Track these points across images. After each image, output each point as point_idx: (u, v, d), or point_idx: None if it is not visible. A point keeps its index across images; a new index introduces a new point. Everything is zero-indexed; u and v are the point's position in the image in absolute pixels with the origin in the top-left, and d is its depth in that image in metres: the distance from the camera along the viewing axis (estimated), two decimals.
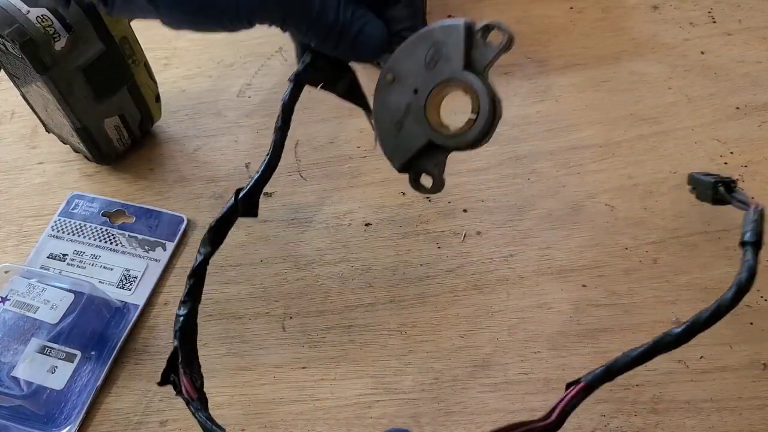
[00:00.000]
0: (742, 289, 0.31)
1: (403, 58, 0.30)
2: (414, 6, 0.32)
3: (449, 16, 0.57)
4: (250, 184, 0.32)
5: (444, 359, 0.39)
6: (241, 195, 0.32)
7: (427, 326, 0.41)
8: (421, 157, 0.31)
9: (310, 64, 0.33)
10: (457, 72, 0.29)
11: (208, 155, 0.50)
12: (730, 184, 0.41)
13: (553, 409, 0.28)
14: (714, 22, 0.55)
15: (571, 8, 0.57)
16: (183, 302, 0.33)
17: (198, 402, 0.31)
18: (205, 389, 0.39)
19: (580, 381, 0.28)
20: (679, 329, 0.29)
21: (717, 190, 0.41)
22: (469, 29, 0.29)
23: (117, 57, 0.45)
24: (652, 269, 0.42)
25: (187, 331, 0.32)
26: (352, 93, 0.35)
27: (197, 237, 0.46)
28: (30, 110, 0.49)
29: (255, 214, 0.33)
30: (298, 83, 0.33)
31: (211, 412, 0.38)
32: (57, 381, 0.39)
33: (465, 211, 0.45)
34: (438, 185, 0.31)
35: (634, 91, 0.51)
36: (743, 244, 0.33)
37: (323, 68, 0.33)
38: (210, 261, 0.33)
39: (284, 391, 0.39)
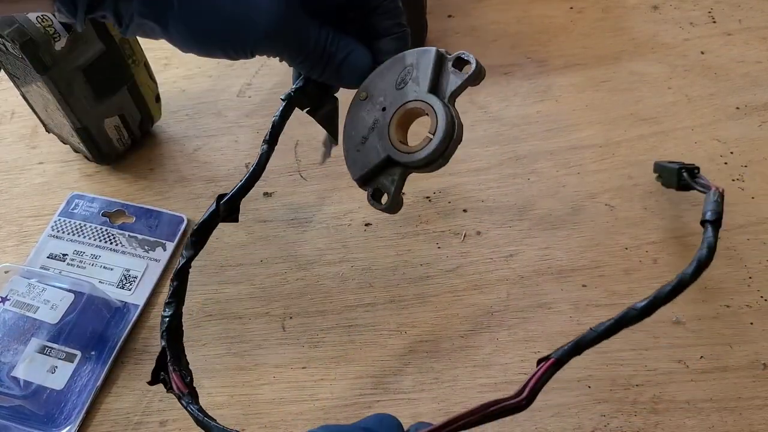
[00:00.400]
0: (702, 264, 0.33)
1: (377, 78, 0.32)
2: (402, 41, 0.33)
3: (449, 16, 0.57)
4: (233, 190, 0.34)
5: (444, 359, 0.39)
6: (223, 200, 0.34)
7: (427, 326, 0.41)
8: (379, 172, 0.32)
9: (301, 89, 0.35)
10: (422, 93, 0.31)
11: (208, 155, 0.50)
12: (693, 171, 0.42)
13: (525, 386, 0.28)
14: (714, 22, 0.55)
15: (571, 8, 0.57)
16: (168, 303, 0.34)
17: (189, 396, 0.32)
18: (205, 389, 0.39)
19: (550, 357, 0.29)
20: (642, 303, 0.30)
21: (681, 176, 0.42)
22: (440, 57, 0.31)
23: (117, 57, 0.45)
24: (652, 269, 0.42)
25: (173, 331, 0.34)
26: (330, 121, 0.37)
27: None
28: (30, 110, 0.49)
29: (236, 219, 0.35)
30: (289, 104, 0.35)
31: (212, 412, 0.38)
32: (57, 381, 0.39)
33: (465, 211, 0.45)
34: (393, 202, 0.32)
35: (634, 91, 0.51)
36: (703, 222, 0.35)
37: (312, 94, 0.35)
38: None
39: (284, 391, 0.39)
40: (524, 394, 0.28)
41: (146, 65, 0.48)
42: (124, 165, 0.50)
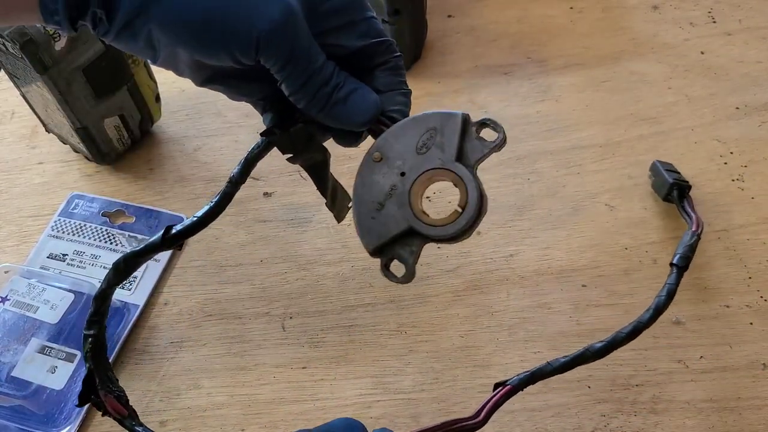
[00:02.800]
0: (659, 309, 0.35)
1: (392, 139, 0.30)
2: (406, 97, 0.31)
3: (449, 16, 0.57)
4: (185, 225, 0.32)
5: (444, 359, 0.39)
6: (170, 234, 0.31)
7: (427, 326, 0.41)
8: (396, 242, 0.30)
9: (288, 127, 0.31)
10: (448, 162, 0.29)
11: (208, 155, 0.50)
12: (684, 190, 0.42)
13: (482, 409, 0.30)
14: (714, 22, 0.55)
15: (571, 8, 0.57)
16: (90, 323, 0.32)
17: (131, 418, 0.31)
18: (205, 389, 0.39)
19: (507, 384, 0.32)
20: (599, 345, 0.32)
21: (670, 191, 0.42)
22: (466, 122, 0.29)
23: (117, 57, 0.45)
24: (652, 269, 0.42)
25: (98, 351, 0.32)
26: (317, 174, 0.34)
27: (197, 237, 0.46)
28: (30, 110, 0.49)
29: (179, 248, 0.33)
30: (268, 143, 0.32)
31: (212, 412, 0.38)
32: (57, 381, 0.39)
33: None
34: (410, 275, 0.30)
35: (634, 90, 0.51)
36: (671, 264, 0.37)
37: (298, 135, 0.32)
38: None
39: (284, 391, 0.39)
40: (480, 417, 0.30)
41: (146, 65, 0.48)
42: (124, 165, 0.50)
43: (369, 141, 0.31)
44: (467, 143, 0.29)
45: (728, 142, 0.47)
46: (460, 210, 0.29)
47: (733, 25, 0.54)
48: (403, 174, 0.29)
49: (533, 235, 0.44)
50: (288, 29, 0.27)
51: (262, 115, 0.33)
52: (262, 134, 0.32)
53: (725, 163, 0.46)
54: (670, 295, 0.35)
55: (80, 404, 0.32)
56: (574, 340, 0.39)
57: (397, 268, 0.30)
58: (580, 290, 0.41)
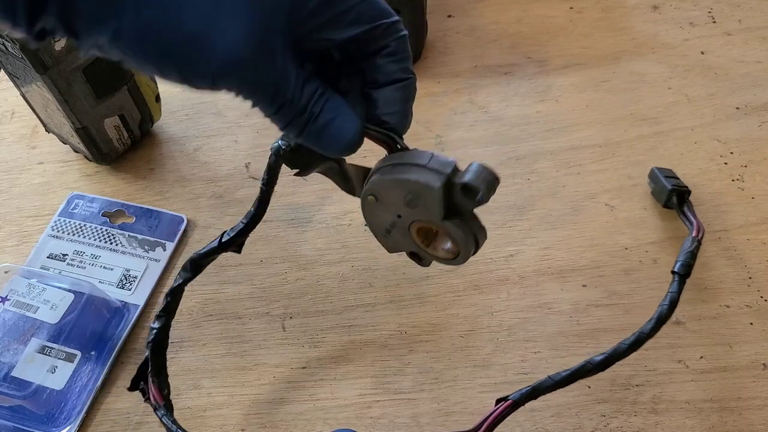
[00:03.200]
0: (662, 319, 0.34)
1: (382, 190, 0.29)
2: (408, 90, 0.29)
3: (449, 16, 0.57)
4: (234, 232, 0.35)
5: (444, 359, 0.39)
6: (223, 240, 0.35)
7: (427, 326, 0.41)
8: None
9: (290, 148, 0.32)
10: (435, 221, 0.29)
11: (208, 155, 0.50)
12: (683, 195, 0.42)
13: (482, 423, 0.31)
14: (714, 22, 0.55)
15: (571, 8, 0.57)
16: (158, 316, 0.35)
17: (164, 408, 0.34)
18: (205, 389, 0.39)
19: (508, 399, 0.32)
20: (600, 357, 0.33)
21: (670, 198, 0.42)
22: (448, 186, 0.27)
23: None
24: (652, 269, 0.42)
25: (159, 344, 0.35)
26: (339, 177, 0.35)
27: (197, 237, 0.46)
28: (30, 110, 0.49)
29: (238, 252, 0.36)
30: (276, 159, 0.33)
31: (212, 413, 0.38)
32: (57, 381, 0.39)
33: None
34: (428, 263, 0.34)
35: (634, 91, 0.51)
36: (673, 272, 0.37)
37: (304, 153, 0.31)
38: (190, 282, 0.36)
39: (284, 391, 0.39)
40: (480, 431, 0.31)
41: None
42: (124, 165, 0.50)
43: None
44: (455, 200, 0.28)
45: (728, 142, 0.47)
46: (456, 254, 0.31)
47: (733, 25, 0.54)
48: (399, 216, 0.30)
49: (533, 235, 0.44)
50: (249, 61, 0.25)
51: None
52: (273, 152, 0.33)
53: (725, 164, 0.46)
54: (673, 304, 0.35)
55: (130, 389, 0.35)
56: (574, 340, 0.39)
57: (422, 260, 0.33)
58: (580, 290, 0.41)
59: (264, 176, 0.34)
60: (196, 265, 0.36)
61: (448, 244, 0.31)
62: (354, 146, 0.28)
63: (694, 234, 0.38)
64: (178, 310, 0.43)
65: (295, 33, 0.26)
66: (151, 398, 0.34)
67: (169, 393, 0.35)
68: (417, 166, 0.28)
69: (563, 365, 0.38)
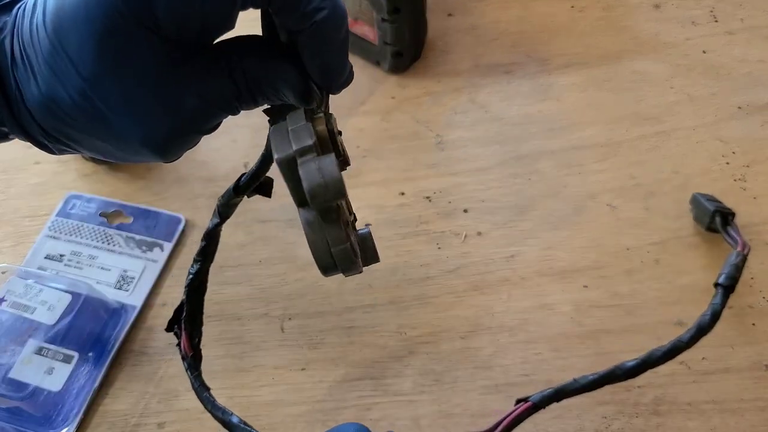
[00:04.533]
0: (702, 330, 0.33)
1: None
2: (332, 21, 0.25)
3: (449, 15, 0.57)
4: (248, 175, 0.33)
5: (444, 361, 0.39)
6: (240, 183, 0.33)
7: (427, 327, 0.40)
8: None
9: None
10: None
11: (206, 155, 0.50)
12: (727, 216, 0.41)
13: (498, 423, 0.30)
14: (716, 21, 0.54)
15: (573, 7, 0.56)
16: (195, 261, 0.35)
17: (191, 359, 0.33)
18: None
19: (528, 400, 0.30)
20: (631, 363, 0.31)
21: (713, 219, 0.41)
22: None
23: None
24: (654, 270, 0.41)
25: (195, 288, 0.34)
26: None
27: (196, 237, 0.46)
28: None
29: (268, 195, 0.34)
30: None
31: (210, 414, 0.38)
32: (54, 382, 0.39)
33: (465, 211, 0.45)
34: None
35: (636, 90, 0.51)
36: (716, 285, 0.35)
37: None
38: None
39: (283, 392, 0.39)
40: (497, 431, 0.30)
41: None
42: (122, 164, 0.50)
43: None
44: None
45: (730, 142, 0.47)
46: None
47: (735, 24, 0.54)
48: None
49: (534, 235, 0.44)
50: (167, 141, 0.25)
51: None
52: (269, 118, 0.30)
53: (727, 163, 0.46)
54: (715, 316, 0.33)
55: (168, 329, 0.35)
56: (576, 341, 0.39)
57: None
58: (581, 291, 0.41)
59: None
60: (226, 208, 0.35)
61: None
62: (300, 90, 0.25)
63: (739, 249, 0.37)
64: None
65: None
66: (182, 346, 0.34)
67: (199, 341, 0.35)
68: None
69: (565, 366, 0.38)
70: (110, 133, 0.25)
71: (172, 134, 0.25)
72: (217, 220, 0.35)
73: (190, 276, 0.35)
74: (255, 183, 0.33)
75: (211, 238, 0.35)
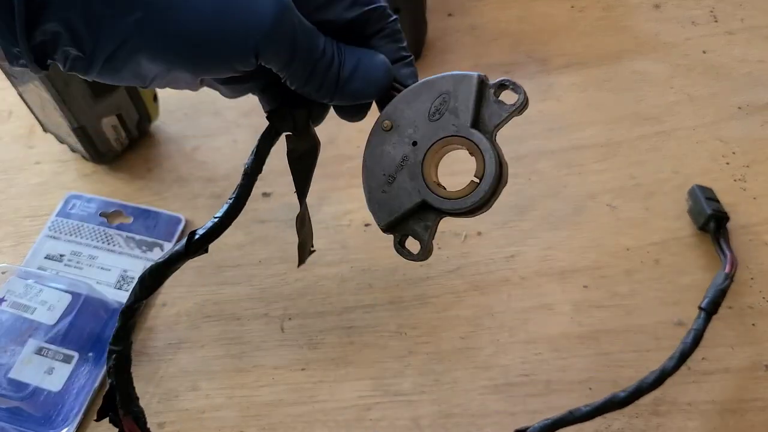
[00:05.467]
0: (685, 355, 0.35)
1: (403, 105, 0.28)
2: (412, 67, 0.29)
3: (449, 15, 0.57)
4: (207, 228, 0.29)
5: (444, 361, 0.39)
6: (195, 239, 0.29)
7: (427, 327, 0.40)
8: (410, 217, 0.28)
9: (287, 110, 0.30)
10: (463, 128, 0.26)
11: (206, 155, 0.50)
12: (721, 220, 0.41)
13: None
14: (716, 21, 0.54)
15: (573, 7, 0.56)
16: (117, 338, 0.30)
17: None
18: (203, 391, 0.39)
19: (527, 429, 0.33)
20: (624, 394, 0.33)
21: (708, 222, 0.41)
22: (482, 83, 0.27)
23: None
24: (654, 270, 0.41)
25: (122, 368, 0.30)
26: (304, 168, 0.32)
27: None
28: (27, 110, 0.49)
29: (206, 251, 0.30)
30: (276, 131, 0.30)
31: (210, 414, 0.38)
32: (54, 382, 0.39)
33: None
34: (426, 252, 0.28)
35: (636, 90, 0.50)
36: (700, 308, 0.36)
37: (298, 120, 0.30)
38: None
39: (283, 392, 0.39)
40: None
41: None
42: (122, 165, 0.50)
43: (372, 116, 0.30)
44: (484, 108, 0.27)
45: (730, 142, 0.47)
46: (477, 180, 0.26)
47: (735, 24, 0.54)
48: (414, 143, 0.27)
49: (534, 235, 0.43)
50: (285, 27, 0.25)
51: (259, 98, 0.32)
52: (267, 117, 0.30)
53: (727, 163, 0.46)
54: (696, 341, 0.35)
55: (98, 419, 0.30)
56: (576, 341, 0.39)
57: (412, 244, 0.28)
58: (581, 291, 0.41)
59: (249, 163, 0.30)
60: (155, 277, 0.29)
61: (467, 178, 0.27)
62: (388, 79, 0.28)
63: (727, 270, 0.38)
64: (176, 312, 0.42)
65: (300, 8, 0.26)
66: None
67: (146, 421, 0.31)
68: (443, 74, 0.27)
69: (565, 367, 0.38)
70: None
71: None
72: (141, 294, 0.29)
73: (115, 356, 0.30)
74: (217, 237, 0.29)
75: (131, 315, 0.30)
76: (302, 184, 0.33)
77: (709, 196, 0.42)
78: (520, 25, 0.55)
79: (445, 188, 0.27)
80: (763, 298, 0.40)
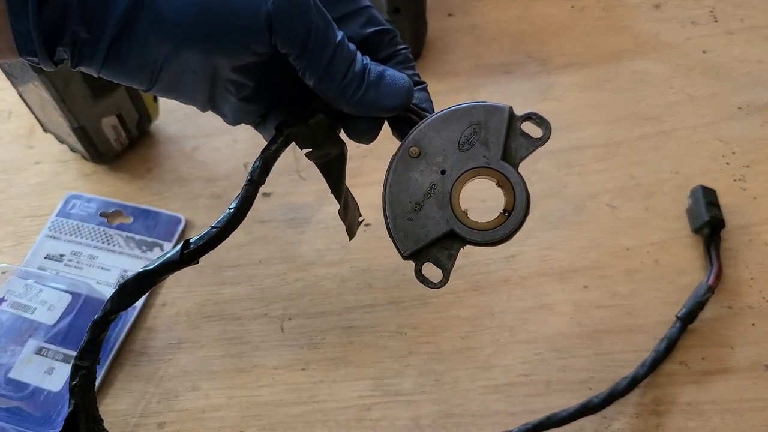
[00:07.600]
0: (657, 360, 0.36)
1: (433, 132, 0.27)
2: (427, 92, 0.29)
3: (449, 15, 0.57)
4: (204, 237, 0.28)
5: (444, 361, 0.39)
6: (190, 249, 0.28)
7: (427, 328, 0.40)
8: (434, 245, 0.28)
9: (298, 117, 0.29)
10: (495, 161, 0.27)
11: (206, 155, 0.50)
12: (716, 228, 0.41)
13: None
14: (716, 21, 0.54)
15: (573, 7, 0.56)
16: (85, 351, 0.28)
17: None
18: (203, 391, 0.39)
19: None
20: (598, 399, 0.35)
21: (703, 228, 0.41)
22: (512, 116, 0.27)
23: None
24: (654, 270, 0.41)
25: (87, 386, 0.28)
26: (332, 172, 0.31)
27: None
28: (27, 110, 0.49)
29: (197, 262, 0.28)
30: (287, 137, 0.29)
31: (210, 414, 0.38)
32: (54, 382, 0.39)
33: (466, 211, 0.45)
34: (446, 280, 0.28)
35: (636, 90, 0.50)
36: (677, 317, 0.38)
37: (318, 128, 0.29)
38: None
39: (283, 392, 0.39)
40: None
41: None
42: (122, 165, 0.50)
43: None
44: (512, 140, 0.27)
45: (730, 142, 0.47)
46: (507, 214, 0.27)
47: (735, 24, 0.54)
48: (443, 172, 0.27)
49: (534, 235, 0.43)
50: (297, 1, 0.24)
51: (259, 128, 0.31)
52: (277, 128, 0.29)
53: (727, 164, 0.46)
54: (669, 349, 0.37)
55: None
56: (576, 341, 0.39)
57: (430, 270, 0.28)
58: (581, 291, 0.41)
59: (255, 171, 0.29)
60: (140, 286, 0.27)
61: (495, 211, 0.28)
62: (409, 97, 0.27)
63: (711, 282, 0.38)
64: (176, 312, 0.42)
65: None
66: None
67: None
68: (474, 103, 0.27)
69: (565, 366, 0.38)
70: None
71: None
72: (120, 304, 0.27)
73: (81, 373, 0.28)
74: (215, 247, 0.28)
75: (103, 328, 0.28)
76: (337, 187, 0.32)
77: (711, 200, 0.42)
78: (520, 25, 0.55)
79: (471, 219, 0.28)
80: (763, 298, 0.40)
